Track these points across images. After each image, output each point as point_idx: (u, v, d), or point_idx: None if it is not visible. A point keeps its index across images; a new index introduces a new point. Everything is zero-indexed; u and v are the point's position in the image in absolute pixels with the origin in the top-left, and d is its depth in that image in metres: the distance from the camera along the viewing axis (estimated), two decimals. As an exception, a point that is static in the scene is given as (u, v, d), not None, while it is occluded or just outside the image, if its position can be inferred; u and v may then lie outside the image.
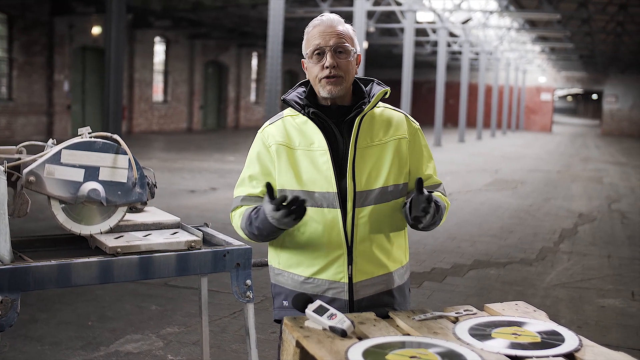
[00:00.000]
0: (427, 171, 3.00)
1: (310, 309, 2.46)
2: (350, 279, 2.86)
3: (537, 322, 2.58)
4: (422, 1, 24.82)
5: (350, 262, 2.86)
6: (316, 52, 2.86)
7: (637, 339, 6.19)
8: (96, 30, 26.82)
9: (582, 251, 9.74)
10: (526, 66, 53.39)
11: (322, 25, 2.88)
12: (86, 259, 2.98)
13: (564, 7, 26.12)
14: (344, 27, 2.90)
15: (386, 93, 2.93)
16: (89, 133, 3.23)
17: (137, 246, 3.14)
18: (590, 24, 30.20)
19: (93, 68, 27.74)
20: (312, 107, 2.89)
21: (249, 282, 3.37)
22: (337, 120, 2.90)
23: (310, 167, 2.85)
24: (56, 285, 2.93)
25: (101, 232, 3.21)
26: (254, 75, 41.07)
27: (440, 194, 3.01)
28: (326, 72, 2.83)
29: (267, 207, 2.69)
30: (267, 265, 3.71)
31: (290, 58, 40.37)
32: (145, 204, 3.60)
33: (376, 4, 25.19)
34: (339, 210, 2.82)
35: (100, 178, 3.16)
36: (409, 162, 2.95)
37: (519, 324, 2.54)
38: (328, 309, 2.44)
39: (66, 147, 3.11)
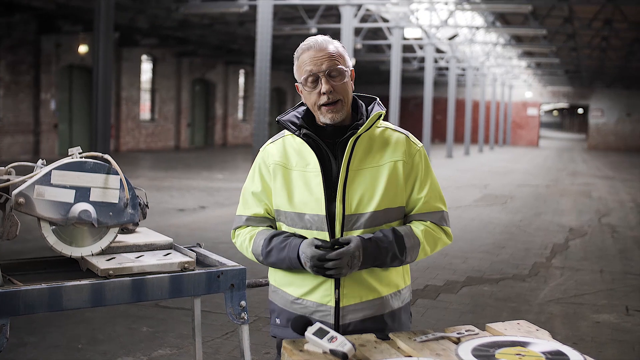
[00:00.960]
0: (420, 194, 2.89)
1: (309, 332, 2.39)
2: (337, 302, 2.81)
3: (541, 342, 2.52)
4: (409, 18, 24.88)
5: (337, 285, 2.80)
6: (309, 79, 2.80)
7: (633, 354, 6.14)
8: (83, 48, 26.75)
9: (575, 266, 9.70)
10: (512, 81, 53.61)
11: (312, 50, 2.81)
12: (77, 282, 2.91)
13: (550, 23, 26.26)
14: (334, 46, 2.83)
15: (380, 116, 2.86)
16: (79, 153, 3.17)
17: (129, 268, 3.08)
18: (576, 39, 30.37)
19: (80, 87, 27.66)
20: (305, 127, 2.85)
21: (243, 303, 3.32)
22: (334, 140, 2.85)
23: (304, 188, 2.82)
24: (47, 309, 2.86)
25: (92, 254, 3.15)
26: (241, 93, 41.07)
27: (430, 225, 2.89)
28: (324, 98, 2.78)
29: (311, 250, 2.68)
30: (261, 285, 3.65)
31: (278, 75, 40.58)
32: (137, 224, 3.55)
33: (363, 21, 25.25)
34: (327, 234, 2.78)
35: (91, 199, 3.10)
36: (405, 185, 2.87)
37: (522, 344, 2.48)
38: (328, 332, 2.38)
39: (56, 168, 3.05)
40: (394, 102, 24.85)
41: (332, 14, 25.71)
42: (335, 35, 28.37)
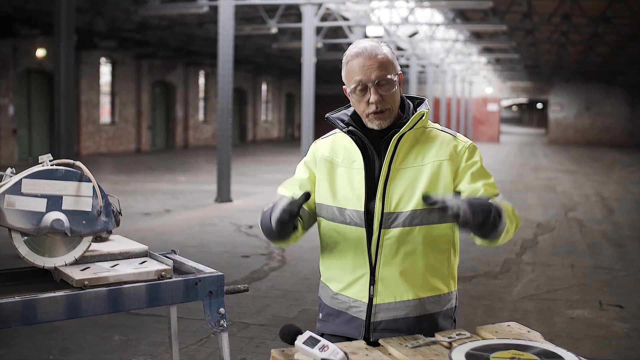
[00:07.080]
0: (477, 183, 2.76)
1: (300, 341, 2.31)
2: (370, 299, 2.80)
3: (534, 344, 2.49)
4: (369, 16, 24.87)
5: (372, 282, 2.80)
6: (358, 87, 2.77)
7: (609, 349, 6.15)
8: (41, 52, 26.34)
9: (545, 261, 9.72)
10: (472, 78, 53.90)
11: (361, 57, 2.76)
12: (52, 294, 2.82)
13: (509, 19, 26.40)
14: (383, 53, 2.78)
15: (423, 115, 2.81)
16: (50, 160, 3.07)
17: (105, 278, 2.99)
18: (535, 34, 30.58)
19: (38, 91, 27.21)
20: (352, 125, 2.85)
21: (222, 310, 3.27)
22: (380, 139, 2.83)
23: (347, 184, 2.82)
24: (21, 323, 2.77)
25: (66, 264, 3.06)
26: (201, 94, 40.77)
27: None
28: (372, 107, 2.76)
29: (285, 200, 2.61)
30: (240, 292, 3.56)
31: (238, 76, 40.33)
32: (110, 232, 3.45)
33: (323, 19, 25.19)
34: (364, 230, 2.76)
35: (63, 207, 3.01)
36: (452, 184, 2.79)
37: (516, 347, 2.44)
38: (319, 340, 2.30)
39: (27, 176, 2.95)
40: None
41: (292, 13, 25.61)
42: (297, 34, 28.30)
